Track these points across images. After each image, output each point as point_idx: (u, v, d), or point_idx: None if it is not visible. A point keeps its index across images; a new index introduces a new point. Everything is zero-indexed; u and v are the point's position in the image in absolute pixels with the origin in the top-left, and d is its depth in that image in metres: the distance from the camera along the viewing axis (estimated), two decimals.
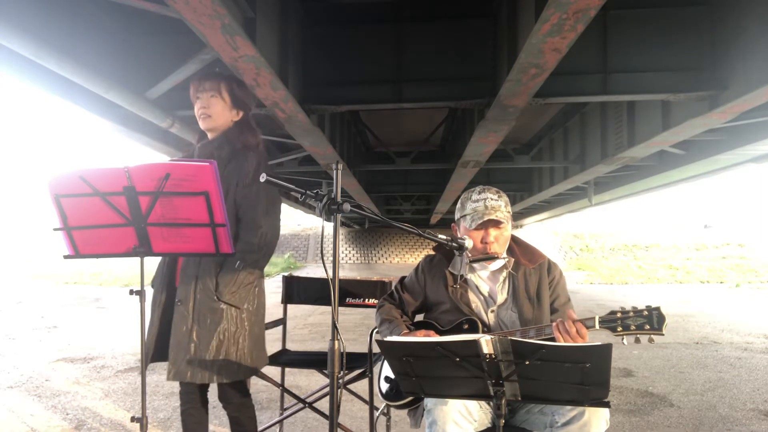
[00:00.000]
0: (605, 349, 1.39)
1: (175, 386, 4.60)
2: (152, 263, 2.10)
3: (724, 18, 4.86)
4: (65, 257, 2.01)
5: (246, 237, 2.22)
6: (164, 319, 2.27)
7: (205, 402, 2.40)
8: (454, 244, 1.97)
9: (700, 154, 8.04)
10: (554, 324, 1.88)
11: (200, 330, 2.19)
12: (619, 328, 1.83)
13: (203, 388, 2.38)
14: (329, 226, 1.73)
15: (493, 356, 1.45)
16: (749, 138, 6.88)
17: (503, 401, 1.54)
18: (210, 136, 2.37)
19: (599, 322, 1.85)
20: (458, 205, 2.22)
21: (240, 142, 2.31)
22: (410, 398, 2.12)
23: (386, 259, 29.28)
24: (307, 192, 1.72)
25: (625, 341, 1.83)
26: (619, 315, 1.84)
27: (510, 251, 2.21)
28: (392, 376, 2.16)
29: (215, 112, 2.30)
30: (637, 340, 1.82)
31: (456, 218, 2.23)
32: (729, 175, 10.32)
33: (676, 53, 5.09)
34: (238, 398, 2.34)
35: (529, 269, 2.17)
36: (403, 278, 2.39)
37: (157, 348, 2.27)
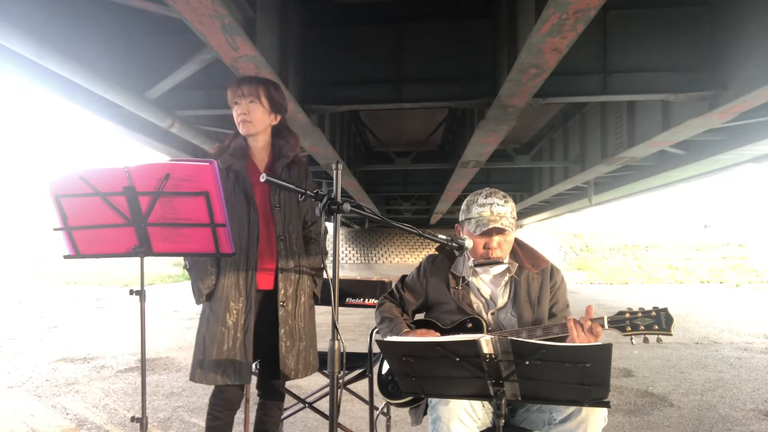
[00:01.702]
0: (605, 349, 1.39)
1: (175, 386, 4.61)
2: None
3: (724, 18, 4.86)
4: (65, 257, 2.01)
5: (320, 241, 2.40)
6: (251, 324, 2.23)
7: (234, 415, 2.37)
8: (453, 244, 1.97)
9: (700, 154, 8.03)
10: (569, 318, 1.88)
11: (305, 328, 2.33)
12: (628, 328, 1.86)
13: (240, 400, 2.35)
14: (329, 226, 1.74)
15: (493, 356, 1.45)
16: (749, 138, 6.87)
17: (503, 401, 1.54)
18: (249, 140, 2.38)
19: (608, 322, 1.88)
20: (463, 206, 2.21)
21: (291, 150, 2.39)
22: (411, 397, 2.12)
23: (386, 259, 29.27)
24: (307, 192, 1.72)
25: (634, 341, 1.86)
26: (627, 315, 1.87)
27: (513, 255, 2.21)
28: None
29: (255, 118, 2.30)
30: (646, 340, 1.85)
31: (460, 219, 2.23)
32: (729, 175, 10.31)
33: (676, 53, 5.08)
34: (284, 390, 2.47)
35: (532, 274, 2.17)
36: (404, 277, 2.39)
37: (251, 353, 2.23)
